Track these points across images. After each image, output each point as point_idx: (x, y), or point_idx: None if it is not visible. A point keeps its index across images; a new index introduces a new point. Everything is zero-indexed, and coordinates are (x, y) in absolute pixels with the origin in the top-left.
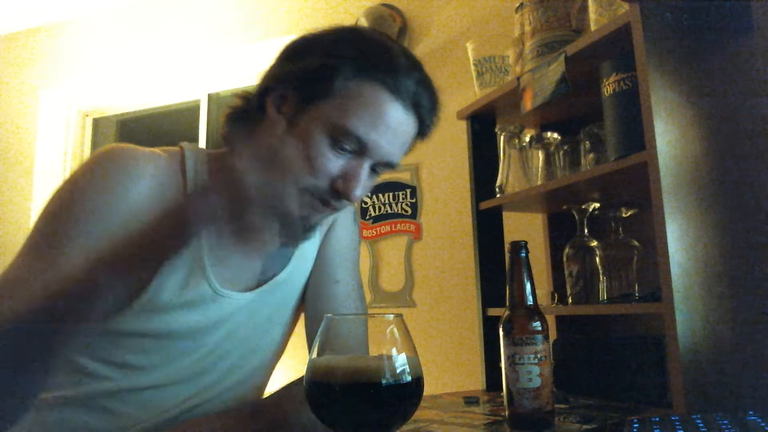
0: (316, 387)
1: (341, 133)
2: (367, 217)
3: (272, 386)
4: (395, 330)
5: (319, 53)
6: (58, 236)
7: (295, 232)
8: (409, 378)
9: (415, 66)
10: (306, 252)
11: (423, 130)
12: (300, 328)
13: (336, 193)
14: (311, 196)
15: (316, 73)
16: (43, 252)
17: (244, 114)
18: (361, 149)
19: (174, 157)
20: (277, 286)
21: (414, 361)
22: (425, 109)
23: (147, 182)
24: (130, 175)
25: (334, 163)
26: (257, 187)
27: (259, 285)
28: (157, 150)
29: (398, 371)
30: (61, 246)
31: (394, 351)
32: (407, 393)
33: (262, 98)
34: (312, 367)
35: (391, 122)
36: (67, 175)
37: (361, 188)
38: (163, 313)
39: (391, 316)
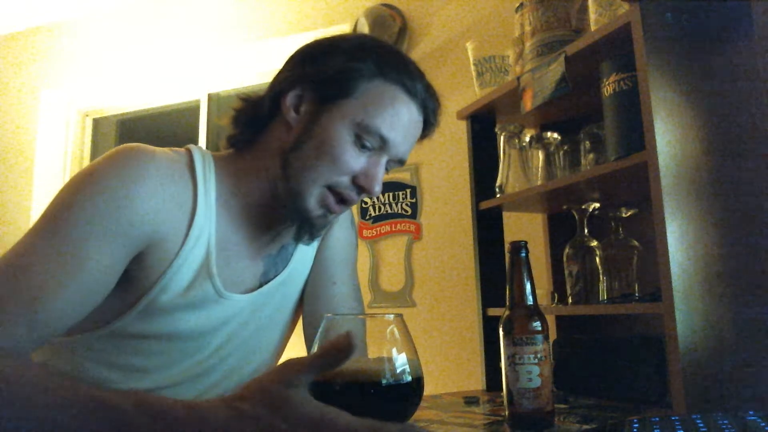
0: (317, 387)
1: (365, 131)
2: (367, 217)
3: None
4: (395, 330)
5: (342, 56)
6: (70, 228)
7: (312, 229)
8: (409, 378)
9: (421, 72)
10: (306, 252)
11: (426, 130)
12: (299, 328)
13: (356, 189)
14: (331, 193)
15: (340, 75)
16: (53, 245)
17: (254, 116)
18: (381, 146)
19: (183, 159)
20: (278, 287)
21: (414, 362)
22: (431, 111)
23: (162, 185)
24: (148, 175)
25: (357, 159)
26: (277, 186)
27: (260, 286)
28: (168, 151)
29: (398, 371)
30: (73, 241)
31: (394, 351)
32: (407, 393)
33: (276, 100)
34: None
35: (406, 121)
36: (75, 172)
37: (380, 183)
38: (167, 315)
39: (391, 316)
